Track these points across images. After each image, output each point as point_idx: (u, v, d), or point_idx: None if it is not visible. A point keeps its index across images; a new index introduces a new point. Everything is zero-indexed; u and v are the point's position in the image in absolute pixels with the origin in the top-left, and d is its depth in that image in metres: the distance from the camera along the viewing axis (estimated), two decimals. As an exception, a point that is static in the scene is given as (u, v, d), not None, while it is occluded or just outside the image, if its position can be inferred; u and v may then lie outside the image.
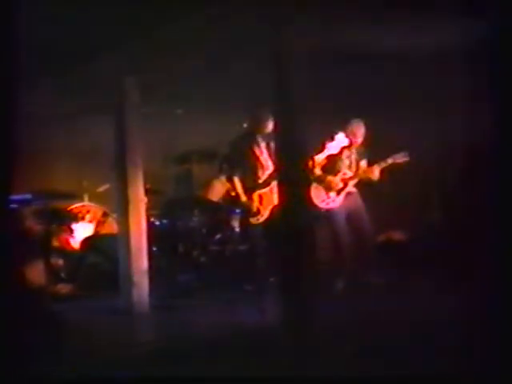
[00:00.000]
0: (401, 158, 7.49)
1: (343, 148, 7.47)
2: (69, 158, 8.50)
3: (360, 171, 7.59)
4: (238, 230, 7.82)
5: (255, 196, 7.34)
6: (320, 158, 7.43)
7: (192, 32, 5.66)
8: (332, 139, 7.47)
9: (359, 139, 7.54)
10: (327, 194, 7.50)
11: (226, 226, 8.02)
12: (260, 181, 7.39)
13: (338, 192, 7.52)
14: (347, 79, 7.72)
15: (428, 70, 7.46)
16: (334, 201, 7.51)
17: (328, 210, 7.49)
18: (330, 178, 7.50)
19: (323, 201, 7.48)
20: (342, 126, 7.49)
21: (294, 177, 5.75)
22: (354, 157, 7.63)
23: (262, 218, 7.34)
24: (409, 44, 6.82)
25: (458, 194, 8.20)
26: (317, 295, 5.66)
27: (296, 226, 5.69)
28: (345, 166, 7.58)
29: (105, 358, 5.10)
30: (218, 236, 8.24)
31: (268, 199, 7.35)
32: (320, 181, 7.45)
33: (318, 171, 7.47)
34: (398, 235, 8.66)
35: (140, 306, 6.83)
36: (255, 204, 7.32)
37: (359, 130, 7.50)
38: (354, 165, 7.62)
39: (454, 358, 4.54)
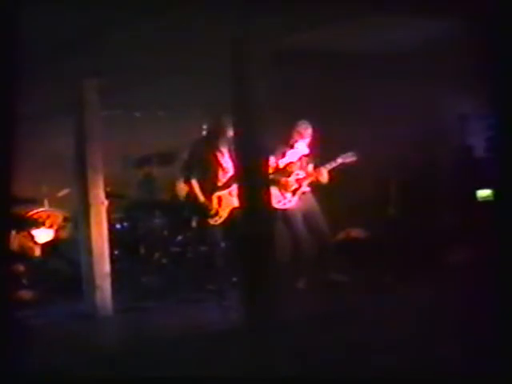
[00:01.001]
0: (348, 158, 7.58)
1: (302, 156, 7.59)
2: (28, 162, 8.42)
3: (309, 173, 7.67)
4: (198, 231, 7.83)
5: (214, 198, 7.37)
6: (280, 164, 7.52)
7: (152, 35, 5.68)
8: (292, 147, 7.58)
9: (306, 140, 7.61)
10: (282, 194, 7.57)
11: (187, 227, 8.03)
12: (220, 183, 7.42)
13: (294, 192, 7.59)
14: (307, 82, 7.82)
15: (377, 71, 7.60)
16: (290, 201, 7.58)
17: (284, 210, 7.56)
18: (284, 179, 7.57)
19: (279, 201, 7.54)
20: (290, 127, 7.58)
21: (254, 179, 5.81)
22: (304, 159, 7.71)
23: (220, 220, 7.38)
24: (371, 43, 6.94)
25: (413, 192, 8.34)
26: (277, 294, 5.73)
27: (255, 227, 5.75)
28: (296, 166, 7.65)
29: (69, 362, 5.09)
30: (179, 238, 8.25)
31: (227, 201, 7.39)
32: (274, 182, 7.50)
33: (271, 173, 7.53)
34: (354, 233, 8.77)
35: (103, 310, 6.84)
36: (214, 206, 7.35)
37: (306, 131, 7.57)
38: (304, 166, 7.70)
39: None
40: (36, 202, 8.24)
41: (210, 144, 7.44)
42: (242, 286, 6.35)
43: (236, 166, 6.58)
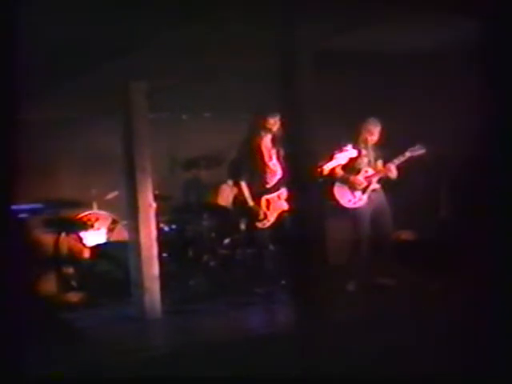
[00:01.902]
0: (417, 151, 7.47)
1: (352, 158, 7.50)
2: (77, 165, 8.51)
3: (378, 169, 7.59)
4: (246, 234, 7.80)
5: (263, 201, 7.33)
6: (328, 167, 7.45)
7: (198, 35, 5.66)
8: (340, 150, 7.49)
9: (375, 137, 7.54)
10: (352, 193, 7.51)
11: (235, 230, 8.01)
12: (268, 186, 7.38)
13: (364, 190, 7.52)
14: (357, 80, 7.73)
15: (439, 66, 7.45)
16: (360, 199, 7.50)
17: (354, 210, 7.50)
18: (352, 177, 7.51)
19: (350, 200, 7.49)
20: (359, 125, 7.51)
21: (303, 182, 5.75)
22: (372, 154, 7.63)
23: (268, 223, 7.33)
24: (419, 42, 6.84)
25: (478, 193, 8.17)
26: (332, 297, 5.66)
27: (304, 231, 5.68)
28: (365, 164, 7.58)
29: (119, 365, 5.10)
30: (227, 240, 8.23)
31: (276, 205, 7.34)
32: (343, 180, 7.47)
33: (339, 171, 7.49)
34: (404, 235, 8.62)
35: (152, 312, 6.84)
36: (263, 209, 7.31)
37: (376, 129, 7.51)
38: (372, 162, 7.63)
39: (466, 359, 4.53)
40: (85, 204, 8.32)
41: (258, 146, 7.40)
42: (290, 290, 6.31)
43: (285, 169, 6.54)
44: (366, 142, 7.54)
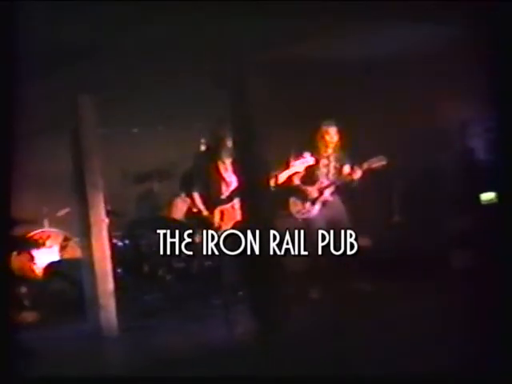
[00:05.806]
0: (377, 163, 7.44)
1: (309, 166, 7.45)
2: (27, 182, 8.36)
3: (342, 177, 7.54)
4: (201, 246, 7.73)
5: (217, 212, 7.29)
6: (284, 175, 7.43)
7: (148, 49, 5.64)
8: (297, 157, 7.46)
9: (335, 138, 7.48)
10: (303, 204, 7.49)
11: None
12: (223, 197, 7.34)
13: (313, 202, 7.49)
14: (307, 90, 7.75)
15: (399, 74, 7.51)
16: (308, 211, 7.48)
17: (305, 220, 7.47)
18: (305, 188, 7.49)
19: (299, 211, 7.47)
20: (314, 130, 7.46)
21: (257, 192, 5.75)
22: (333, 164, 7.59)
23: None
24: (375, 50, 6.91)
25: (417, 198, 8.27)
26: (288, 306, 5.66)
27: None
28: (322, 175, 7.55)
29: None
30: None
31: (230, 215, 7.30)
32: (296, 192, 7.46)
33: (295, 182, 7.48)
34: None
35: (108, 329, 6.75)
36: (217, 220, 7.27)
37: (332, 129, 7.45)
38: (332, 173, 7.58)
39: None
40: (36, 222, 8.20)
41: (212, 157, 7.37)
42: (247, 301, 6.30)
43: (239, 179, 6.52)
44: (326, 145, 7.49)
